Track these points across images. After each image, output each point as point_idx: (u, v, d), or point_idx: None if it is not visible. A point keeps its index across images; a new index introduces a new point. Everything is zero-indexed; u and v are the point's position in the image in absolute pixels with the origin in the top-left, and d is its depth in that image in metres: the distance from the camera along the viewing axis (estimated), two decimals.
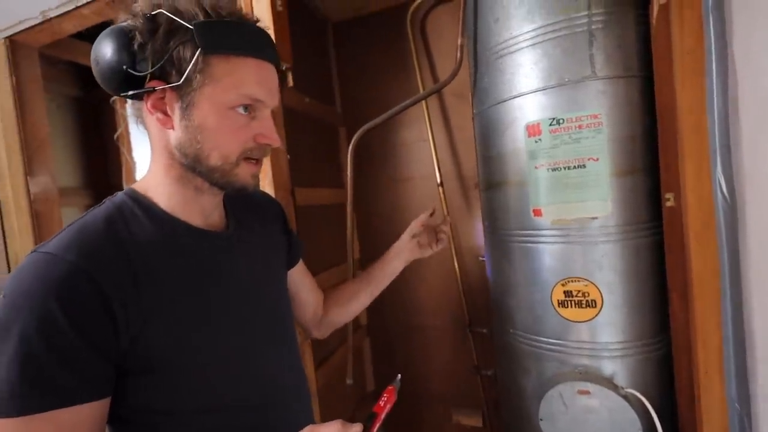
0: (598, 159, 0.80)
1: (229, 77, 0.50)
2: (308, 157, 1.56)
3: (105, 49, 0.50)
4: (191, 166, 0.54)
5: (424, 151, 1.71)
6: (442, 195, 1.65)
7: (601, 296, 0.82)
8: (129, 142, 2.29)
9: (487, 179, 1.03)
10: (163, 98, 0.51)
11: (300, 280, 0.81)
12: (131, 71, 0.49)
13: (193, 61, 0.48)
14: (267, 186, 1.05)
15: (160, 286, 0.51)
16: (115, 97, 2.23)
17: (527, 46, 0.85)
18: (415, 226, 0.93)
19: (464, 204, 1.69)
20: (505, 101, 0.91)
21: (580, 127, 0.81)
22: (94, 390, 0.46)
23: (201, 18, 0.48)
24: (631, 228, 0.81)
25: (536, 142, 0.86)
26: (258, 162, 0.57)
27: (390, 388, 0.53)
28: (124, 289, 0.47)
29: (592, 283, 0.82)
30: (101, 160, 2.16)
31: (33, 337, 0.43)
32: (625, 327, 0.81)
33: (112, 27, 0.50)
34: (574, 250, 0.84)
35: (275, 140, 0.55)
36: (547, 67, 0.83)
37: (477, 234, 1.66)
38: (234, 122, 0.52)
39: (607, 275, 0.81)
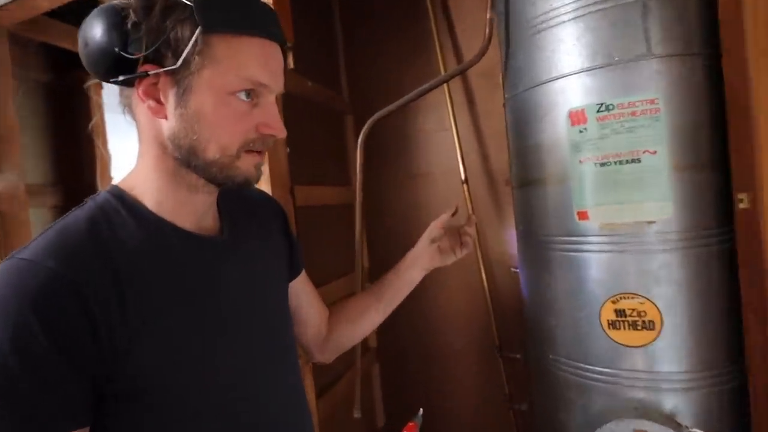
0: (655, 151, 0.80)
1: (231, 59, 0.52)
2: (310, 150, 1.58)
3: (95, 29, 0.51)
4: (186, 160, 0.55)
5: (446, 142, 1.71)
6: (466, 193, 1.65)
7: (660, 316, 0.81)
8: (104, 133, 2.35)
9: (522, 175, 1.02)
10: (156, 84, 0.53)
11: (302, 293, 0.81)
12: (123, 54, 0.50)
13: (192, 42, 0.49)
14: (262, 183, 1.07)
15: (148, 299, 0.52)
16: (89, 83, 2.29)
17: (570, 19, 0.85)
18: (434, 228, 0.93)
19: (493, 205, 1.68)
20: (543, 83, 0.91)
21: (633, 113, 0.81)
22: (72, 418, 0.47)
23: None
24: (696, 234, 0.80)
25: (581, 131, 0.86)
26: (261, 153, 0.58)
27: (411, 424, 0.52)
28: (109, 300, 0.49)
29: (648, 300, 0.81)
30: (72, 153, 2.22)
31: (6, 352, 0.44)
32: (689, 353, 0.81)
33: (103, 5, 0.52)
34: (627, 261, 0.83)
35: (280, 130, 0.57)
36: (593, 43, 0.83)
37: (509, 240, 1.65)
38: (234, 110, 0.53)
39: (666, 290, 0.80)
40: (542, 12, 0.89)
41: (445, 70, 1.66)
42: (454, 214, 0.95)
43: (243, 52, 0.52)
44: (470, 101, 1.69)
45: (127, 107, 0.58)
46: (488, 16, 1.03)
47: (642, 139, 0.80)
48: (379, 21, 1.80)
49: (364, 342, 1.78)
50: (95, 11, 0.52)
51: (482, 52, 1.03)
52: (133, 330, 0.50)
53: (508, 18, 0.99)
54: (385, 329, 1.91)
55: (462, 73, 1.55)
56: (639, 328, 0.82)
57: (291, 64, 1.17)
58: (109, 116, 2.20)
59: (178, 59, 0.50)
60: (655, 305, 0.81)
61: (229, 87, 0.53)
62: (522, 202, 1.04)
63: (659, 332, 0.81)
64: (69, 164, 2.20)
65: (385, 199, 1.84)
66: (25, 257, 0.48)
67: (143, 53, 0.50)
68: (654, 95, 0.79)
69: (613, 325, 0.84)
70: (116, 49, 0.50)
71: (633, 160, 0.81)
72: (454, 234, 0.94)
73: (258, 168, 0.58)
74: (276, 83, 0.56)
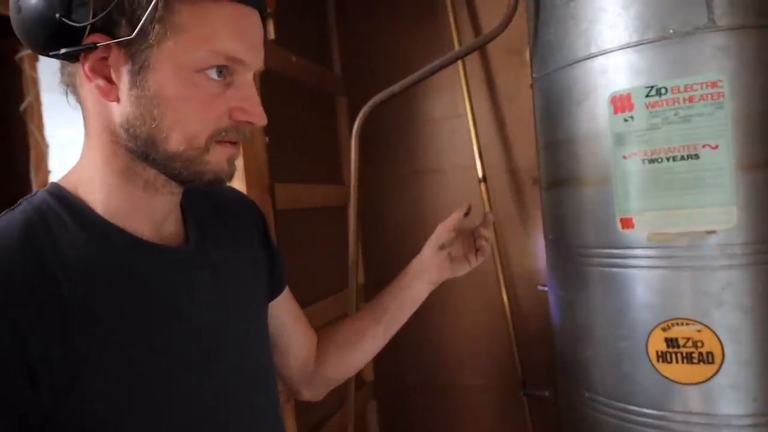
0: (717, 146, 0.80)
1: (199, 28, 0.51)
2: (294, 141, 1.57)
3: None
4: (142, 152, 0.54)
5: (460, 131, 1.71)
6: (484, 194, 1.65)
7: (722, 347, 0.80)
8: (40, 117, 2.34)
9: (553, 174, 1.02)
10: (106, 59, 0.52)
11: (284, 314, 0.80)
12: (66, 21, 0.49)
13: (150, 7, 0.49)
14: (236, 181, 1.05)
15: (95, 324, 0.51)
16: (22, 54, 2.30)
17: None
18: (443, 231, 0.91)
19: (517, 209, 1.68)
20: (579, 61, 0.91)
21: (691, 99, 0.80)
22: None
23: None
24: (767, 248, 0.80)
25: (626, 120, 0.85)
26: (236, 144, 0.57)
27: None
28: (47, 326, 0.48)
29: (707, 327, 0.81)
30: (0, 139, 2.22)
31: None
32: (757, 392, 0.80)
33: None
34: (682, 279, 0.83)
35: (259, 117, 0.56)
36: (643, 12, 0.83)
37: (536, 252, 1.65)
38: (203, 91, 0.53)
39: (730, 316, 0.80)
40: None
41: (460, 44, 1.66)
42: (467, 214, 0.94)
43: (214, 20, 0.52)
44: (490, 82, 1.69)
45: (70, 87, 0.57)
46: None
47: (701, 131, 0.80)
48: None
49: (359, 374, 1.78)
50: None
51: (506, 23, 1.04)
52: (76, 363, 0.49)
53: None
54: (383, 359, 1.89)
55: (481, 47, 1.55)
56: (695, 361, 0.82)
57: (271, 34, 1.17)
58: (46, 96, 2.19)
59: (133, 28, 0.49)
60: (715, 334, 0.81)
61: (197, 63, 0.52)
62: (552, 206, 1.04)
63: (719, 367, 0.81)
64: None
65: (386, 200, 1.84)
66: None
67: (91, 21, 0.49)
68: (717, 77, 0.79)
69: (663, 357, 0.84)
70: (57, 15, 0.49)
71: (689, 156, 0.81)
72: (468, 238, 0.93)
73: (231, 162, 0.58)
74: (254, 58, 0.56)
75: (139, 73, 0.52)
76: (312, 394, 0.89)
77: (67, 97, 0.59)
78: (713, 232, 0.81)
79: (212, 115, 0.54)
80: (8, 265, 0.48)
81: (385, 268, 1.93)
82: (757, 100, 0.79)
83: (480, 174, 1.66)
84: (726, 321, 0.80)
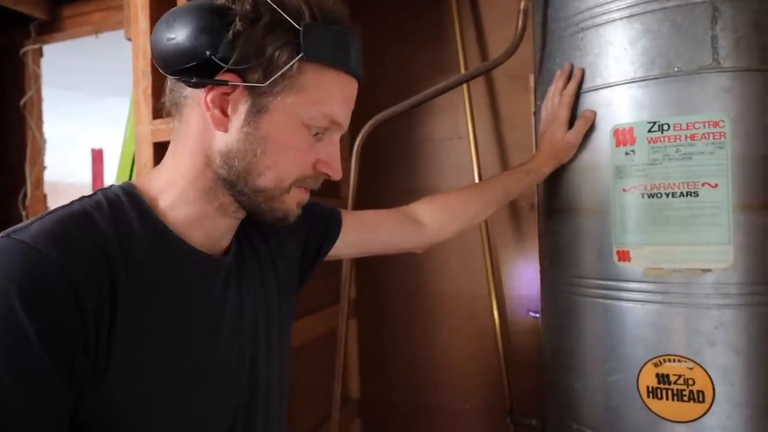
0: (717, 185, 0.80)
1: (318, 91, 0.59)
2: None
3: (191, 24, 0.55)
4: (231, 180, 0.60)
5: (460, 153, 1.72)
6: None
7: (713, 386, 0.80)
8: (40, 112, 2.33)
9: (551, 201, 1.03)
10: (228, 94, 0.58)
11: (357, 233, 0.89)
12: (214, 59, 0.55)
13: (286, 67, 0.56)
14: None
15: (136, 320, 0.55)
16: (27, 48, 2.29)
17: (621, 18, 0.86)
18: (564, 105, 0.95)
19: (513, 233, 1.68)
20: (584, 93, 0.92)
21: (693, 137, 0.81)
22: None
23: (307, 19, 0.56)
24: (763, 289, 0.80)
25: (627, 154, 0.86)
26: (309, 191, 0.65)
27: None
28: (102, 310, 0.52)
29: (698, 365, 0.81)
30: None
31: None
32: None
33: (206, 1, 0.57)
34: (676, 316, 0.83)
35: (337, 172, 0.63)
36: (649, 48, 0.84)
37: (529, 279, 1.65)
38: (303, 141, 0.60)
39: (722, 356, 0.80)
40: (588, 7, 0.91)
41: (466, 66, 1.67)
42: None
43: (329, 87, 0.60)
44: (493, 106, 1.70)
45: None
46: (522, 6, 1.04)
47: (701, 169, 0.81)
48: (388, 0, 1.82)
49: (344, 392, 1.76)
50: (195, 4, 0.57)
51: (512, 49, 1.05)
52: (113, 351, 0.53)
53: (546, 10, 1.00)
54: (369, 377, 1.88)
55: (487, 72, 1.57)
56: (685, 399, 0.82)
57: None
58: (47, 91, 2.18)
59: (266, 78, 0.56)
60: (707, 373, 0.80)
61: (308, 119, 0.59)
62: (550, 233, 1.04)
63: (710, 406, 0.80)
64: None
65: None
66: (22, 239, 0.51)
67: (233, 64, 0.55)
68: (719, 116, 0.80)
69: (653, 393, 0.84)
70: (208, 53, 0.55)
71: (688, 193, 0.82)
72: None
73: (300, 207, 0.65)
74: (347, 123, 0.64)
75: (256, 115, 0.58)
76: (438, 236, 0.98)
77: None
78: (709, 270, 0.81)
79: (303, 162, 0.61)
80: (77, 238, 0.53)
81: (377, 283, 1.93)
82: (758, 142, 0.80)
83: None
84: (718, 360, 0.80)
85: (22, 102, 2.16)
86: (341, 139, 0.65)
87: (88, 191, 0.63)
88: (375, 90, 1.83)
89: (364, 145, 1.17)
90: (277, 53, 0.56)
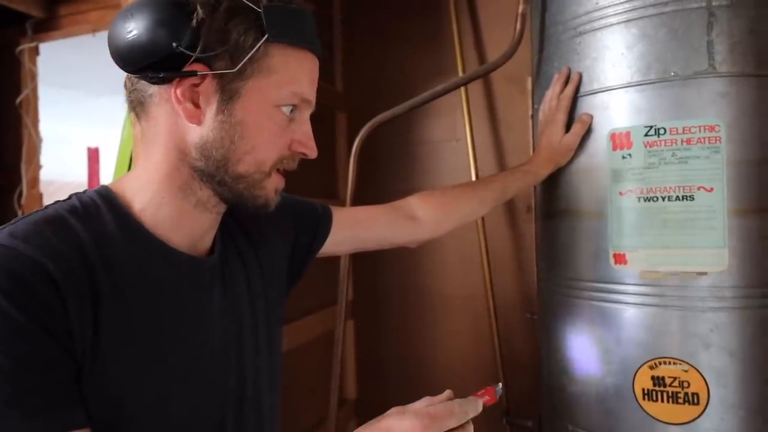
0: (712, 189, 0.81)
1: (285, 71, 0.59)
2: None
3: (151, 17, 0.54)
4: (210, 172, 0.60)
5: (458, 155, 1.72)
6: (479, 220, 1.66)
7: (707, 389, 0.81)
8: (36, 110, 2.32)
9: (548, 204, 1.03)
10: (197, 86, 0.57)
11: (349, 230, 0.89)
12: (181, 50, 0.54)
13: (253, 50, 0.56)
14: None
15: (120, 314, 0.55)
16: (24, 46, 2.28)
17: (619, 23, 0.87)
18: (561, 106, 0.96)
19: (510, 236, 1.69)
20: (581, 96, 0.93)
21: (689, 141, 0.82)
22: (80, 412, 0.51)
23: (265, 0, 0.57)
24: (757, 293, 0.80)
25: (624, 157, 0.87)
26: (284, 176, 0.65)
27: (489, 388, 0.62)
28: (83, 300, 0.52)
29: (694, 367, 0.81)
30: None
31: None
32: None
33: None
34: (671, 318, 0.83)
35: (312, 150, 0.64)
36: (646, 53, 0.84)
37: (526, 281, 1.65)
38: (277, 123, 0.61)
39: (717, 358, 0.81)
40: (586, 11, 0.91)
41: (464, 69, 1.68)
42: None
43: (296, 66, 0.60)
44: (491, 109, 1.71)
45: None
46: (520, 9, 1.05)
47: (697, 173, 0.81)
48: (387, 3, 1.82)
49: (341, 393, 1.76)
50: None
51: (510, 53, 1.05)
52: (101, 344, 0.53)
53: (544, 14, 1.01)
54: (366, 378, 1.88)
55: (485, 75, 1.57)
56: (680, 401, 0.82)
57: None
58: (44, 90, 2.18)
59: (234, 64, 0.56)
60: (702, 375, 0.81)
61: (279, 99, 0.59)
62: (547, 235, 1.04)
63: (704, 409, 0.81)
64: None
65: None
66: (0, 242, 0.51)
67: (199, 53, 0.55)
68: (715, 121, 0.81)
69: (648, 395, 0.84)
70: (174, 44, 0.54)
71: (684, 197, 0.82)
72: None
73: (278, 193, 0.64)
74: (314, 100, 0.64)
75: (227, 102, 0.58)
76: (433, 231, 0.98)
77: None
78: (704, 273, 0.81)
79: (280, 144, 0.61)
80: (52, 239, 0.53)
81: (374, 285, 1.93)
82: (753, 148, 0.80)
83: None
84: (713, 363, 0.81)
85: (18, 100, 2.15)
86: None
87: None
88: (374, 92, 1.84)
89: (363, 147, 1.17)
90: (242, 38, 0.56)
